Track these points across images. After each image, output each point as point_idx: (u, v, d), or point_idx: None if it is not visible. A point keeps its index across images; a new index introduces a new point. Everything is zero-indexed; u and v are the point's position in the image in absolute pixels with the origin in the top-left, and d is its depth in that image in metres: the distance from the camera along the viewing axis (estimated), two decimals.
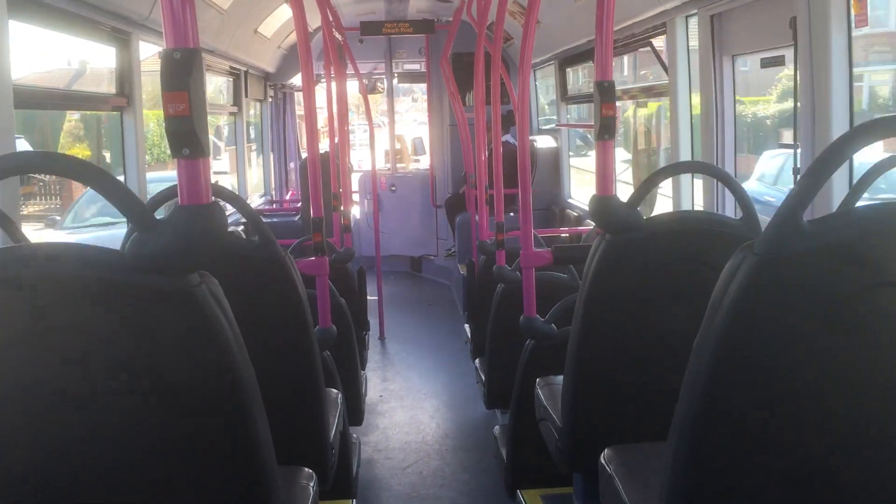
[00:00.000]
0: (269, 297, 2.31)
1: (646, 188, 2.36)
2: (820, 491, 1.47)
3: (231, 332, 1.37)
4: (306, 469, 2.11)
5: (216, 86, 8.01)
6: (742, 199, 2.32)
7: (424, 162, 10.28)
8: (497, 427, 3.96)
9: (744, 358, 1.41)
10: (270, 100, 8.87)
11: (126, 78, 4.25)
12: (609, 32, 2.38)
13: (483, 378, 4.52)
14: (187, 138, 1.29)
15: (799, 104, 3.14)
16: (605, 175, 2.38)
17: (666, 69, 4.48)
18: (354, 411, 4.01)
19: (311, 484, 2.04)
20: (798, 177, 3.23)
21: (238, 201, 2.61)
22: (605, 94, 2.32)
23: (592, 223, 6.27)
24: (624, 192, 3.48)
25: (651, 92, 5.32)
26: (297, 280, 2.39)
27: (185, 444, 1.39)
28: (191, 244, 1.30)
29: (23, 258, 1.31)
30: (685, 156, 4.28)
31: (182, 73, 1.27)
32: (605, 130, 2.35)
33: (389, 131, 9.94)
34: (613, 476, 1.99)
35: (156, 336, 1.32)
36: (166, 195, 2.27)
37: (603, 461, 2.08)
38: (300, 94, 10.12)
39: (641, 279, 2.28)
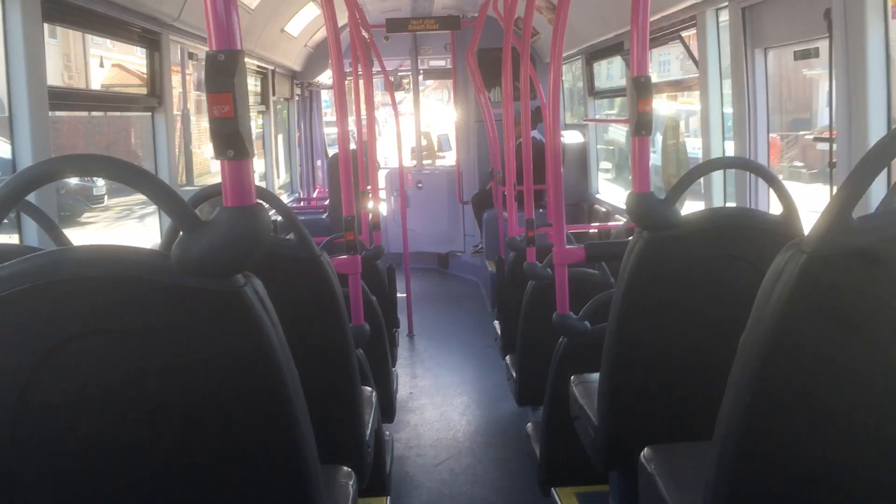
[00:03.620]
0: (305, 295, 2.32)
1: (684, 185, 2.34)
2: (866, 496, 1.45)
3: (275, 332, 1.37)
4: (345, 468, 2.12)
5: None
6: (783, 196, 2.29)
7: (450, 158, 10.27)
8: (529, 424, 3.95)
9: (791, 358, 1.39)
10: (297, 98, 8.91)
11: (157, 79, 4.29)
12: (645, 26, 2.36)
13: (514, 375, 4.51)
14: (232, 140, 1.30)
15: (834, 97, 3.10)
16: (641, 172, 2.36)
17: (696, 63, 4.43)
18: (386, 408, 4.03)
19: (351, 483, 2.05)
20: (833, 171, 3.19)
21: (275, 200, 2.62)
22: (642, 89, 2.30)
23: (622, 218, 6.24)
24: None
25: (680, 86, 5.28)
26: (333, 279, 2.40)
27: (229, 446, 1.40)
28: (238, 245, 1.30)
29: (70, 260, 1.32)
30: (716, 151, 4.24)
31: (226, 74, 1.28)
32: (642, 127, 2.33)
33: (415, 128, 9.94)
34: (654, 475, 1.97)
35: (201, 337, 1.33)
36: (203, 195, 2.28)
37: (643, 461, 2.06)
38: (326, 91, 10.17)
39: (680, 277, 2.26)
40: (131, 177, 1.32)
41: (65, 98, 3.50)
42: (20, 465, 1.35)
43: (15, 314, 1.29)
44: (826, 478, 1.46)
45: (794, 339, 1.38)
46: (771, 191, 3.79)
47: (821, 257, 1.32)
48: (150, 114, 4.34)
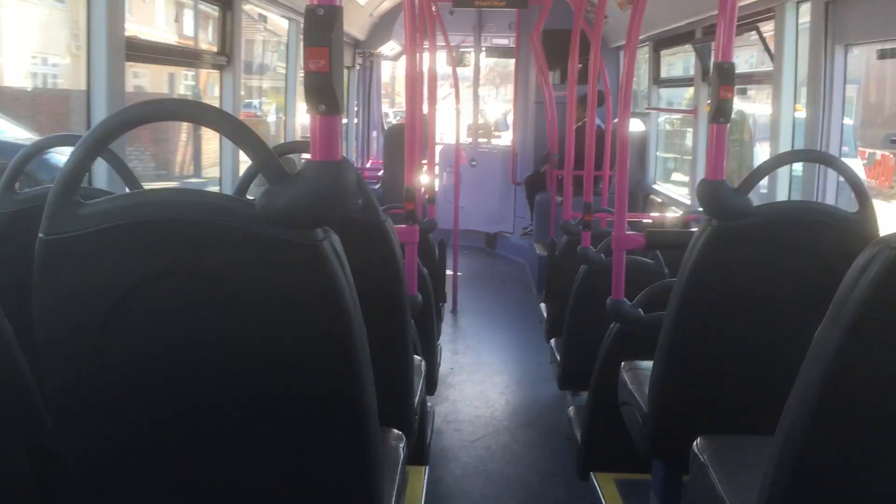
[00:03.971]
0: (368, 259, 2.33)
1: (759, 174, 2.30)
2: None
3: (349, 288, 1.39)
4: (395, 431, 2.14)
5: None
6: (861, 194, 2.23)
7: (506, 138, 10.23)
8: (571, 408, 3.94)
9: (868, 356, 1.36)
10: (358, 67, 8.93)
11: (227, 37, 4.34)
12: (733, 12, 2.30)
13: (558, 358, 4.50)
14: (325, 94, 1.30)
15: None
16: (716, 159, 2.32)
17: (772, 56, 4.34)
18: (429, 380, 4.05)
19: (402, 445, 2.07)
20: None
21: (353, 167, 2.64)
22: (725, 76, 2.25)
23: (678, 210, 6.16)
24: None
25: (752, 79, 5.17)
26: (396, 245, 2.42)
27: (296, 393, 1.42)
28: (323, 198, 1.32)
29: (156, 202, 1.34)
30: (786, 145, 4.16)
31: (325, 29, 1.28)
32: (721, 113, 2.29)
33: (473, 105, 9.90)
34: (707, 465, 1.96)
35: (278, 286, 1.35)
36: (285, 149, 2.32)
37: (695, 450, 2.04)
38: (386, 62, 10.18)
39: (746, 268, 2.22)
40: (223, 124, 1.34)
41: (139, 49, 3.55)
42: (99, 398, 1.39)
43: (99, 251, 1.33)
44: (893, 481, 1.43)
45: (874, 338, 1.35)
46: (838, 188, 3.74)
47: None
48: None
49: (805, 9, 4.05)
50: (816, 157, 3.20)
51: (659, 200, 6.98)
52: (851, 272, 1.38)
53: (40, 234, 1.31)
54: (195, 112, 1.35)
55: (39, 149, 2.33)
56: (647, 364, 2.61)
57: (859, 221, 2.21)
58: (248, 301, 1.35)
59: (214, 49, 4.34)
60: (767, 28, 4.51)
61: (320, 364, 1.40)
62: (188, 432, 1.42)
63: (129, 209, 1.32)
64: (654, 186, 7.43)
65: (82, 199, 1.34)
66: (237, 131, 1.32)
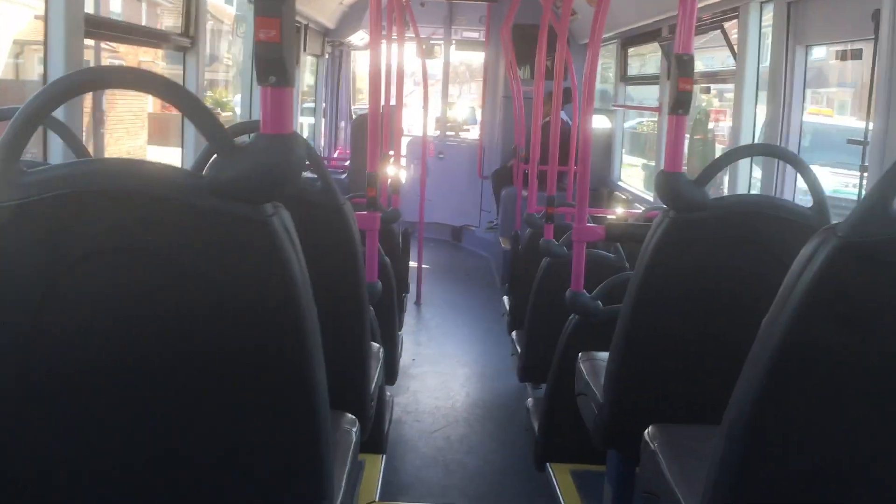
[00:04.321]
0: (325, 241, 2.31)
1: (715, 168, 2.32)
2: (879, 491, 1.44)
3: (298, 265, 1.37)
4: (349, 415, 2.13)
5: None
6: (814, 187, 2.27)
7: (474, 132, 10.24)
8: (530, 399, 3.96)
9: (812, 345, 1.38)
10: (327, 56, 8.86)
11: (192, 18, 4.25)
12: (693, 5, 2.32)
13: (519, 351, 4.51)
14: (275, 66, 1.28)
15: (873, 100, 3.05)
16: (674, 151, 2.33)
17: (735, 54, 4.39)
18: (389, 370, 4.04)
19: (354, 430, 2.06)
20: (865, 174, 3.15)
21: (302, 141, 2.62)
22: (684, 67, 2.27)
23: (641, 207, 6.21)
24: None
25: (715, 78, 5.22)
26: (354, 229, 2.40)
27: (244, 374, 1.40)
28: (272, 172, 1.29)
29: (101, 171, 1.31)
30: (747, 141, 4.21)
31: None
32: (680, 105, 2.30)
33: (442, 98, 9.89)
34: (657, 453, 1.97)
35: (225, 262, 1.33)
36: (241, 128, 2.29)
37: (647, 438, 2.06)
38: (356, 52, 10.12)
39: (702, 260, 2.24)
40: (170, 92, 1.31)
41: (100, 26, 3.47)
42: (36, 378, 1.35)
43: (39, 222, 1.29)
44: (834, 471, 1.45)
45: (819, 326, 1.36)
46: (798, 185, 3.80)
47: (855, 243, 1.30)
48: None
49: (768, 10, 4.10)
50: (772, 151, 3.24)
51: (623, 197, 7.04)
52: (799, 260, 1.40)
53: None
54: (141, 80, 1.31)
55: None
56: (604, 355, 2.62)
57: (814, 217, 2.24)
58: (195, 275, 1.32)
59: (177, 31, 4.26)
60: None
61: (268, 341, 1.38)
62: (130, 409, 1.39)
63: (73, 178, 1.28)
64: (619, 183, 7.48)
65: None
66: (184, 100, 1.30)
